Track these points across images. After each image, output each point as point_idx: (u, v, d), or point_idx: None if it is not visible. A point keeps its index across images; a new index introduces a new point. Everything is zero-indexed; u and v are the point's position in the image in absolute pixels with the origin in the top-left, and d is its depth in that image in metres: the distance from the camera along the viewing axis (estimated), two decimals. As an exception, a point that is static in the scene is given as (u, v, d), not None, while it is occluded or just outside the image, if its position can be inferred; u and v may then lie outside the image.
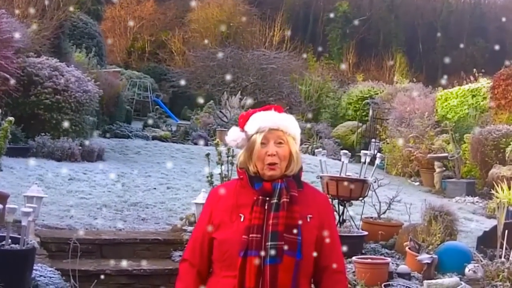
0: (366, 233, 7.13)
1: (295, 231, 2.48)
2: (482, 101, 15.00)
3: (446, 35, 35.10)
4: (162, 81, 28.14)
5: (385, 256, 6.61)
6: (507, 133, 12.68)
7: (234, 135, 2.69)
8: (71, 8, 14.48)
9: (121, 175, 10.89)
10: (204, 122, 18.94)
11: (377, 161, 8.13)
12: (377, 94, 21.19)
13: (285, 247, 2.45)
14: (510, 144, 12.23)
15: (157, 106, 24.68)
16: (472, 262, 6.25)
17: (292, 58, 26.46)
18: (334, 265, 2.62)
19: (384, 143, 16.65)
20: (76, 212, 7.82)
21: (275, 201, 2.52)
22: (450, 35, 35.27)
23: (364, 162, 7.58)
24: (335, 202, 7.25)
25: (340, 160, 8.18)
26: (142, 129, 18.45)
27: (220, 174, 6.80)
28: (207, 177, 6.93)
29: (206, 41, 26.90)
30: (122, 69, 25.90)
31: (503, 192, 8.18)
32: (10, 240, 4.77)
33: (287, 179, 2.57)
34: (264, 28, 31.06)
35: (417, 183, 14.70)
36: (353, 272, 6.02)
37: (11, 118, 6.61)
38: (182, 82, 22.39)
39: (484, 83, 15.48)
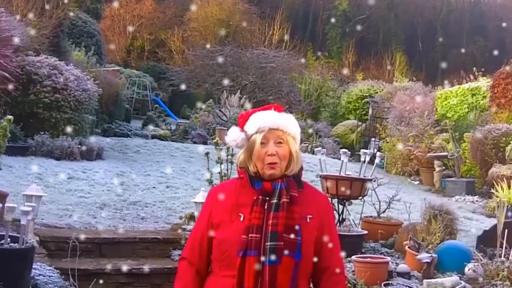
0: (365, 232, 7.13)
1: (294, 231, 2.48)
2: (482, 100, 14.99)
3: (445, 33, 35.08)
4: (162, 80, 28.13)
5: (384, 255, 6.61)
6: (507, 132, 12.67)
7: (234, 135, 2.68)
8: (71, 12, 14.43)
9: (120, 174, 10.89)
10: (204, 121, 18.92)
11: (377, 160, 8.12)
12: (377, 93, 21.20)
13: (285, 249, 2.44)
14: (510, 143, 12.23)
15: (157, 105, 24.67)
16: (471, 261, 6.25)
17: (291, 57, 26.45)
18: (333, 266, 2.61)
19: (383, 142, 16.65)
20: (75, 211, 7.81)
21: (275, 201, 2.51)
22: (449, 33, 35.25)
23: (364, 161, 7.57)
24: (335, 201, 7.24)
25: (339, 159, 8.17)
26: (141, 128, 18.45)
27: (219, 173, 6.80)
28: (207, 178, 6.92)
29: (205, 42, 26.90)
30: (121, 68, 25.87)
31: (503, 191, 8.17)
32: (9, 239, 4.75)
33: (287, 179, 2.57)
34: (264, 27, 31.04)
35: (417, 182, 14.70)
36: (353, 271, 6.01)
37: (10, 117, 6.58)
38: (183, 87, 22.32)
39: (484, 82, 15.48)
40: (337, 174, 7.45)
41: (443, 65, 26.32)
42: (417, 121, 15.20)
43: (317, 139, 18.00)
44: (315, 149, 9.17)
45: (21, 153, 10.88)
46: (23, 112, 11.65)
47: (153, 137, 17.10)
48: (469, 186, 12.97)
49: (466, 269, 6.18)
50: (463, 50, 29.57)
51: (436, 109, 16.26)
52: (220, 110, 18.99)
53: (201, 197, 6.70)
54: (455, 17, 36.38)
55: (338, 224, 7.12)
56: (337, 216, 7.25)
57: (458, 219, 7.53)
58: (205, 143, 16.46)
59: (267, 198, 2.53)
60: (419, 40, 35.88)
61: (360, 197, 7.41)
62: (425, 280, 5.93)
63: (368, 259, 6.15)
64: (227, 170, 6.74)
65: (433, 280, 5.89)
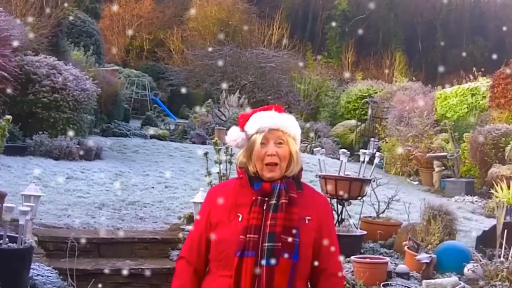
0: (364, 232, 7.12)
1: (293, 232, 2.47)
2: (482, 100, 14.98)
3: (445, 33, 35.08)
4: (161, 80, 28.10)
5: (383, 256, 6.60)
6: (506, 132, 12.67)
7: (234, 134, 2.68)
8: (66, 4, 14.41)
9: (119, 174, 10.87)
10: (203, 121, 18.91)
11: (376, 160, 8.10)
12: (376, 93, 21.19)
13: (282, 250, 2.44)
14: (509, 143, 12.22)
15: (155, 105, 24.66)
16: (471, 261, 6.24)
17: (291, 57, 26.44)
18: (332, 268, 2.61)
19: (383, 142, 16.64)
20: (74, 211, 7.80)
21: (273, 202, 2.51)
22: (449, 33, 35.25)
23: (363, 161, 7.56)
24: (334, 201, 7.23)
25: (339, 159, 8.16)
26: (140, 128, 18.43)
27: (218, 173, 6.79)
28: (206, 176, 6.91)
29: (204, 42, 26.89)
30: (120, 68, 25.86)
31: (503, 192, 8.15)
32: (7, 239, 4.74)
33: (286, 180, 2.56)
34: (263, 27, 31.02)
35: (416, 182, 14.69)
36: (352, 271, 6.00)
37: (9, 117, 6.57)
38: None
39: (483, 82, 15.47)
40: (336, 174, 7.44)
41: (441, 69, 26.29)
42: (416, 121, 15.19)
43: (317, 139, 17.99)
44: (315, 149, 9.16)
45: (19, 153, 10.86)
46: (21, 111, 11.64)
47: (152, 137, 17.09)
48: (468, 186, 12.96)
49: (466, 269, 6.17)
50: (464, 54, 29.56)
51: (436, 109, 16.26)
52: (219, 110, 18.98)
53: (200, 197, 6.69)
54: (455, 17, 36.36)
55: (337, 225, 7.11)
56: (336, 217, 7.24)
57: (458, 219, 7.52)
58: (204, 143, 16.46)
59: (266, 199, 2.52)
60: (418, 40, 35.86)
61: (359, 197, 7.40)
62: (424, 281, 5.92)
63: (367, 260, 6.14)
64: (226, 170, 6.74)
65: (432, 281, 5.88)
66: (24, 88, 11.69)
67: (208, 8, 30.57)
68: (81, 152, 11.72)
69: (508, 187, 8.22)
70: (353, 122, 20.45)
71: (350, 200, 7.40)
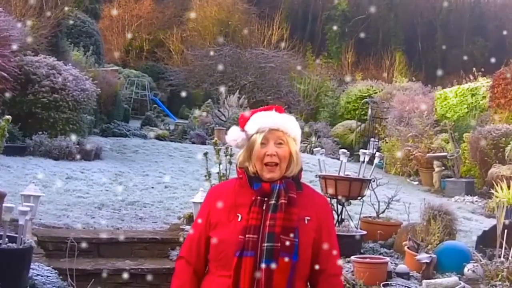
0: (364, 232, 7.10)
1: (292, 233, 2.46)
2: (482, 100, 14.98)
3: (445, 34, 35.07)
4: (160, 80, 28.08)
5: (384, 256, 6.59)
6: (506, 133, 12.66)
7: (234, 134, 2.67)
8: (66, 8, 14.43)
9: (119, 174, 10.87)
10: (202, 121, 18.91)
11: (376, 160, 8.09)
12: (376, 93, 21.18)
13: (281, 250, 2.43)
14: (509, 144, 12.21)
15: (155, 105, 24.65)
16: (471, 261, 6.23)
17: (290, 57, 26.43)
18: (331, 269, 2.60)
19: (383, 142, 16.63)
20: (74, 211, 7.79)
21: (273, 202, 2.50)
22: (449, 34, 35.24)
23: (363, 161, 7.55)
24: (334, 201, 7.22)
25: (338, 159, 8.15)
26: (139, 128, 18.43)
27: (218, 173, 6.78)
28: (205, 176, 6.90)
29: (204, 42, 26.87)
30: (120, 68, 25.84)
31: (503, 192, 8.13)
32: (7, 239, 4.74)
33: (286, 181, 2.56)
34: (263, 27, 31.02)
35: (416, 182, 14.68)
36: (352, 271, 5.99)
37: (9, 117, 6.56)
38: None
39: (483, 82, 15.46)
40: (336, 174, 7.43)
41: (439, 73, 26.26)
42: (416, 121, 15.19)
43: (316, 139, 17.98)
44: (314, 149, 9.15)
45: (19, 153, 10.86)
46: (21, 112, 11.64)
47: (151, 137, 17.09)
48: (468, 186, 12.95)
49: (466, 269, 6.16)
50: (464, 54, 29.53)
51: (436, 109, 16.25)
52: (219, 110, 18.97)
53: (199, 197, 6.68)
54: (455, 17, 36.35)
55: (337, 225, 7.10)
56: (336, 216, 7.23)
57: (458, 219, 7.50)
58: (203, 143, 16.46)
59: (266, 199, 2.52)
60: (418, 40, 35.85)
61: (359, 197, 7.39)
62: (424, 281, 5.91)
63: (367, 260, 6.13)
64: (226, 170, 6.73)
65: (432, 281, 5.87)
66: (23, 88, 11.69)
67: (208, 9, 30.57)
68: (81, 152, 11.71)
69: (508, 187, 8.21)
70: (353, 122, 20.44)
71: (350, 200, 7.39)
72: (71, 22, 16.19)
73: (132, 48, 31.74)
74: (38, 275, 5.05)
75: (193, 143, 16.72)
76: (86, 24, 19.74)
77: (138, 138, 16.49)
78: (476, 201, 12.05)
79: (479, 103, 15.06)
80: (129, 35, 30.33)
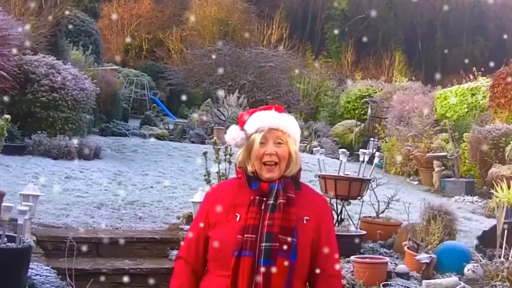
0: (364, 232, 7.09)
1: (290, 233, 2.45)
2: (482, 100, 14.96)
3: (445, 33, 35.08)
4: (160, 79, 28.08)
5: (383, 256, 6.57)
6: (506, 132, 12.65)
7: (233, 133, 2.66)
8: (67, 11, 14.43)
9: (118, 173, 10.85)
10: (202, 121, 18.90)
11: (376, 160, 8.07)
12: (376, 92, 21.17)
13: (280, 250, 2.42)
14: (509, 143, 12.20)
15: (154, 104, 24.64)
16: (471, 262, 6.22)
17: (290, 57, 26.42)
18: (330, 269, 2.58)
19: (382, 142, 16.62)
20: (73, 211, 7.77)
21: (271, 202, 2.49)
22: (449, 33, 35.26)
23: (363, 161, 7.54)
24: (333, 201, 7.21)
25: (338, 159, 8.13)
26: (139, 127, 18.41)
27: (217, 172, 6.76)
28: (205, 175, 6.89)
29: (204, 42, 26.85)
30: (119, 67, 25.83)
31: (503, 192, 8.12)
32: (6, 239, 4.72)
33: (285, 180, 2.55)
34: (262, 26, 31.01)
35: (416, 182, 14.67)
36: (352, 271, 5.98)
37: (8, 116, 6.55)
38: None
39: (483, 81, 15.45)
40: (336, 174, 7.42)
41: (438, 76, 26.28)
42: (416, 121, 15.17)
43: (316, 139, 17.97)
44: (314, 149, 9.13)
45: (18, 152, 10.85)
46: (20, 111, 11.62)
47: (151, 135, 17.05)
48: (468, 186, 12.94)
49: (466, 269, 6.15)
50: (464, 54, 29.54)
51: (436, 109, 16.23)
52: (218, 110, 18.96)
53: (199, 196, 6.67)
54: (455, 17, 36.36)
55: (336, 224, 7.09)
56: (335, 216, 7.22)
57: (458, 219, 7.49)
58: (203, 142, 16.45)
59: (264, 199, 2.51)
60: (418, 40, 35.87)
61: (359, 197, 7.38)
62: (424, 281, 5.90)
63: (367, 260, 6.11)
64: (225, 170, 6.71)
65: (432, 281, 5.86)
66: (22, 88, 11.67)
67: (207, 8, 30.57)
68: (80, 152, 11.70)
69: (508, 187, 8.20)
70: (352, 122, 20.43)
71: (350, 200, 7.37)
72: (70, 26, 16.18)
73: (131, 47, 31.74)
74: (37, 274, 5.04)
75: (193, 142, 16.71)
76: (85, 23, 19.74)
77: (137, 138, 16.48)
78: (476, 201, 12.04)
79: (479, 102, 15.05)
80: (128, 35, 30.33)
